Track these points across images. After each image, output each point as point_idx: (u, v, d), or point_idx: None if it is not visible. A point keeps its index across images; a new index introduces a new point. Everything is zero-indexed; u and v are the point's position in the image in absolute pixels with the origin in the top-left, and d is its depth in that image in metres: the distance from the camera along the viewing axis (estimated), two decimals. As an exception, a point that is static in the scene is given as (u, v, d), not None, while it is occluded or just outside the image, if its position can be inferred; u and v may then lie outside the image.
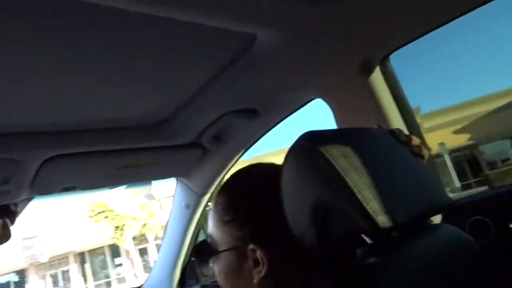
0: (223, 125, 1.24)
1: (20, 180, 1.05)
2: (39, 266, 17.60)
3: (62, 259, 17.97)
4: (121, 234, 15.45)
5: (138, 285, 1.86)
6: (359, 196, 0.51)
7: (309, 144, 0.57)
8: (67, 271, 18.20)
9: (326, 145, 0.55)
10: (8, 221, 1.09)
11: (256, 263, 0.64)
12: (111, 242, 16.33)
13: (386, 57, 1.04)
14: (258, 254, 0.64)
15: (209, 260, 0.74)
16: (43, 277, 17.94)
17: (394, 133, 0.67)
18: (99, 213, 14.81)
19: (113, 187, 1.47)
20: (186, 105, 1.11)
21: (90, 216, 14.91)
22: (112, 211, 14.89)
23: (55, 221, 15.89)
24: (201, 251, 0.74)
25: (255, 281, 0.64)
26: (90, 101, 0.95)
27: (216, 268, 0.72)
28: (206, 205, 1.63)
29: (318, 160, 0.54)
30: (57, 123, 0.99)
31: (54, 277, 18.20)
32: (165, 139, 1.22)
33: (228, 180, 0.76)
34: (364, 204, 0.51)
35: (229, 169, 1.48)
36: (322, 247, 0.57)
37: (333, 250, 0.59)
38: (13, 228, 1.14)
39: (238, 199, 0.70)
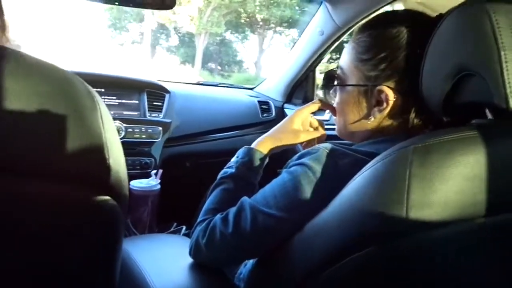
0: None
1: None
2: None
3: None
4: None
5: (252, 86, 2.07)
6: (505, 71, 0.50)
7: (480, 4, 0.53)
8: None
9: (499, 9, 0.51)
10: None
11: (379, 103, 0.69)
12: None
13: None
14: (384, 96, 0.68)
15: (333, 88, 0.80)
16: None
17: None
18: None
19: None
20: None
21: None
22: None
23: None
24: (330, 78, 0.80)
25: (372, 118, 0.71)
26: None
27: (338, 97, 0.78)
28: (339, 39, 1.63)
29: (482, 19, 0.51)
30: None
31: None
32: None
33: (379, 18, 0.74)
34: (507, 79, 0.50)
35: (377, 11, 1.41)
36: (445, 110, 0.60)
37: (452, 116, 0.62)
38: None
39: (382, 40, 0.69)
